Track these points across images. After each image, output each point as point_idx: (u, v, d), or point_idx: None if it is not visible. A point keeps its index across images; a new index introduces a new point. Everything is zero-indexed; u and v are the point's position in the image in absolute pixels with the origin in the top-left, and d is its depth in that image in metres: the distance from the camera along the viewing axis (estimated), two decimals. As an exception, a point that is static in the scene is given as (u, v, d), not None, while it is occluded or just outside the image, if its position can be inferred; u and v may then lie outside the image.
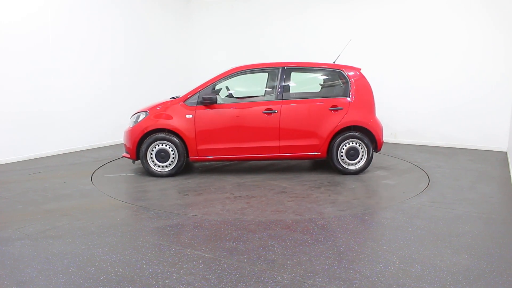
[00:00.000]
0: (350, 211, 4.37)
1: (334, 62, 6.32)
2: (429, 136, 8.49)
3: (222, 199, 4.85)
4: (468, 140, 8.12)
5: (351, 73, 6.03)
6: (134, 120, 6.01)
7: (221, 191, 5.21)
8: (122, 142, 6.28)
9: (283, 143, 5.85)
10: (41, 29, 7.05)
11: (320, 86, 6.34)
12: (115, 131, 8.48)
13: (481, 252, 3.33)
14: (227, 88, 6.50)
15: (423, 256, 3.26)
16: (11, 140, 6.71)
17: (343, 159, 5.93)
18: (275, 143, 5.85)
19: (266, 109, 5.82)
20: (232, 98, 6.35)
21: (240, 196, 4.96)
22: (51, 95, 7.28)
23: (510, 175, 5.94)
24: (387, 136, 8.54)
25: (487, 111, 7.89)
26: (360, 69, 6.13)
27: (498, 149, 7.84)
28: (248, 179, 5.79)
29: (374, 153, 6.06)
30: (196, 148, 5.81)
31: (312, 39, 9.33)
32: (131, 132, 5.91)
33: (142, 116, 5.94)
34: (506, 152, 7.66)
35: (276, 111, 5.81)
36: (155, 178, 5.81)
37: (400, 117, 8.66)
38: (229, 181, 5.69)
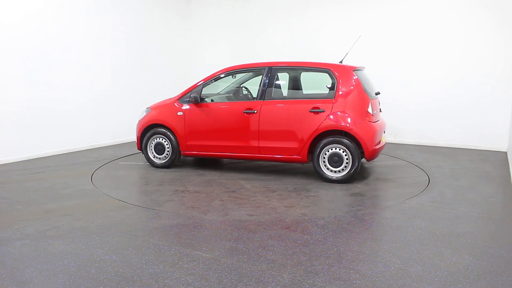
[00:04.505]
0: (259, 217, 4.17)
1: (341, 62, 6.03)
2: (429, 136, 8.48)
3: (168, 191, 5.10)
4: (468, 140, 8.11)
5: (340, 73, 5.54)
6: (142, 115, 6.60)
7: (183, 184, 5.45)
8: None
9: (262, 143, 5.75)
10: (40, 29, 7.04)
11: (307, 87, 6.30)
12: (115, 131, 8.48)
13: (481, 252, 3.33)
14: (245, 88, 6.66)
15: (423, 256, 3.26)
16: (11, 140, 6.69)
17: (326, 166, 5.51)
18: (254, 143, 5.79)
19: (247, 109, 5.80)
20: (221, 97, 6.53)
21: (189, 191, 5.14)
22: (51, 95, 7.27)
23: (510, 175, 5.93)
24: (387, 136, 8.52)
25: (487, 111, 7.88)
26: (353, 69, 5.63)
27: (498, 149, 7.83)
28: (225, 177, 5.86)
29: (367, 161, 5.60)
30: (186, 143, 6.15)
31: (312, 39, 9.32)
32: (137, 126, 6.56)
33: (147, 111, 6.53)
34: (506, 152, 7.65)
35: (255, 111, 5.74)
36: (151, 169, 6.38)
37: (400, 117, 8.65)
38: (204, 177, 5.87)
